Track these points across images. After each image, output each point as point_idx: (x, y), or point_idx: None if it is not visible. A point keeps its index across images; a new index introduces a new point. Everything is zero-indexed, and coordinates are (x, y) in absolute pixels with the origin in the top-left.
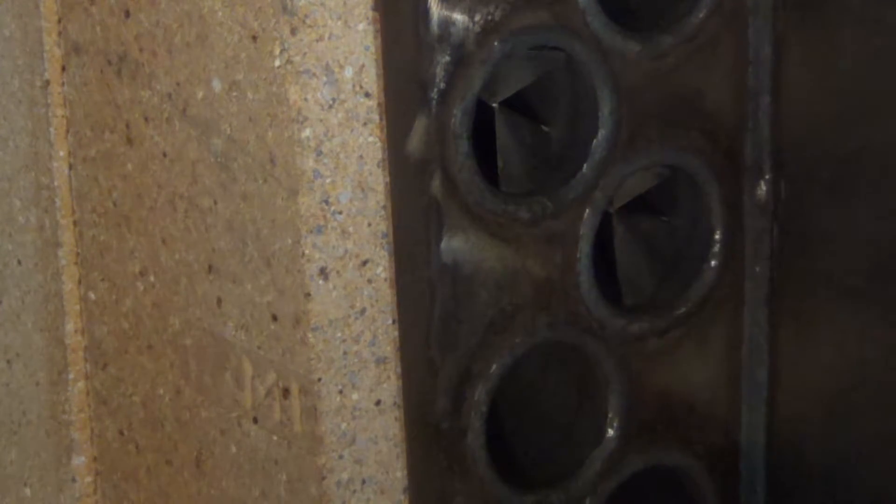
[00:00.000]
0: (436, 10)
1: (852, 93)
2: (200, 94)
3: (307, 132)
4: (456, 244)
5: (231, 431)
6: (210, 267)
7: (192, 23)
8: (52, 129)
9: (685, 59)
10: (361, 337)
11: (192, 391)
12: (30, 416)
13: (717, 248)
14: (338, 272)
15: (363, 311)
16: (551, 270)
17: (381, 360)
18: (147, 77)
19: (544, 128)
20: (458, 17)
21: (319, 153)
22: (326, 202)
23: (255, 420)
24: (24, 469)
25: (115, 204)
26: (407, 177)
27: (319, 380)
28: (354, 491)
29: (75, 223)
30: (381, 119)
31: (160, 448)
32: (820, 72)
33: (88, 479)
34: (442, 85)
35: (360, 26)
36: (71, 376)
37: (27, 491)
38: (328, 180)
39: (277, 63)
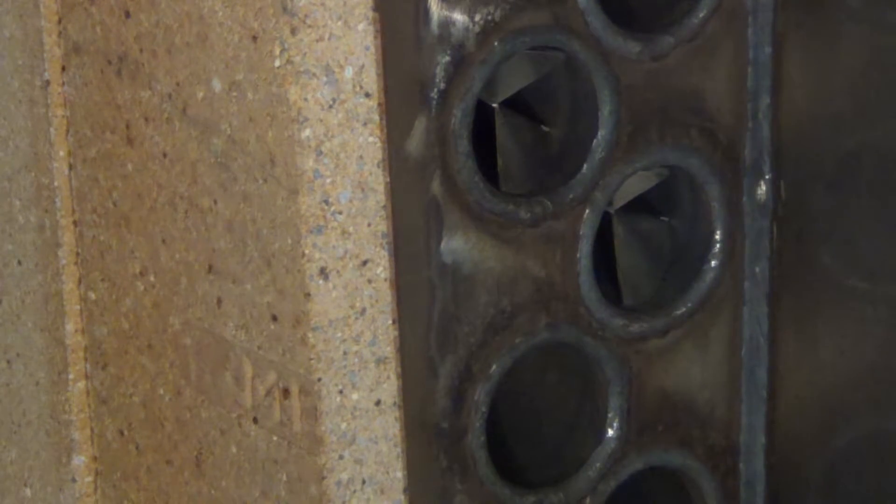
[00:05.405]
0: (436, 10)
1: (852, 92)
2: (200, 94)
3: (307, 132)
4: (456, 244)
5: (231, 431)
6: (210, 267)
7: (192, 23)
8: (52, 129)
9: (685, 59)
10: (361, 337)
11: (192, 391)
12: (30, 416)
13: (717, 248)
14: (338, 272)
15: (363, 311)
16: (551, 270)
17: (381, 360)
18: (147, 77)
19: (544, 128)
20: (458, 17)
21: (319, 153)
22: (326, 202)
23: (255, 420)
24: (24, 469)
25: (115, 204)
26: (407, 177)
27: (319, 380)
28: (354, 491)
29: (75, 223)
30: (381, 119)
31: (160, 448)
32: (820, 72)
33: (88, 479)
34: (442, 85)
35: (360, 26)
36: (71, 376)
37: (27, 491)
38: (328, 180)
39: (277, 63)
